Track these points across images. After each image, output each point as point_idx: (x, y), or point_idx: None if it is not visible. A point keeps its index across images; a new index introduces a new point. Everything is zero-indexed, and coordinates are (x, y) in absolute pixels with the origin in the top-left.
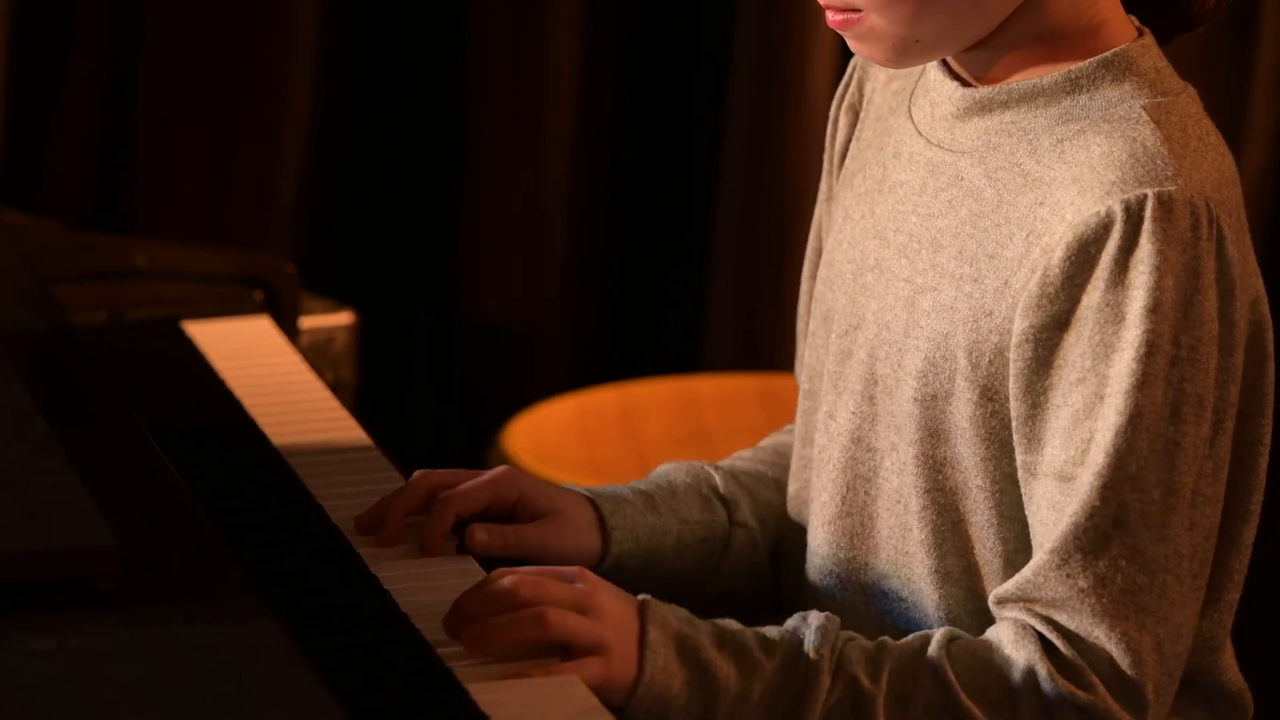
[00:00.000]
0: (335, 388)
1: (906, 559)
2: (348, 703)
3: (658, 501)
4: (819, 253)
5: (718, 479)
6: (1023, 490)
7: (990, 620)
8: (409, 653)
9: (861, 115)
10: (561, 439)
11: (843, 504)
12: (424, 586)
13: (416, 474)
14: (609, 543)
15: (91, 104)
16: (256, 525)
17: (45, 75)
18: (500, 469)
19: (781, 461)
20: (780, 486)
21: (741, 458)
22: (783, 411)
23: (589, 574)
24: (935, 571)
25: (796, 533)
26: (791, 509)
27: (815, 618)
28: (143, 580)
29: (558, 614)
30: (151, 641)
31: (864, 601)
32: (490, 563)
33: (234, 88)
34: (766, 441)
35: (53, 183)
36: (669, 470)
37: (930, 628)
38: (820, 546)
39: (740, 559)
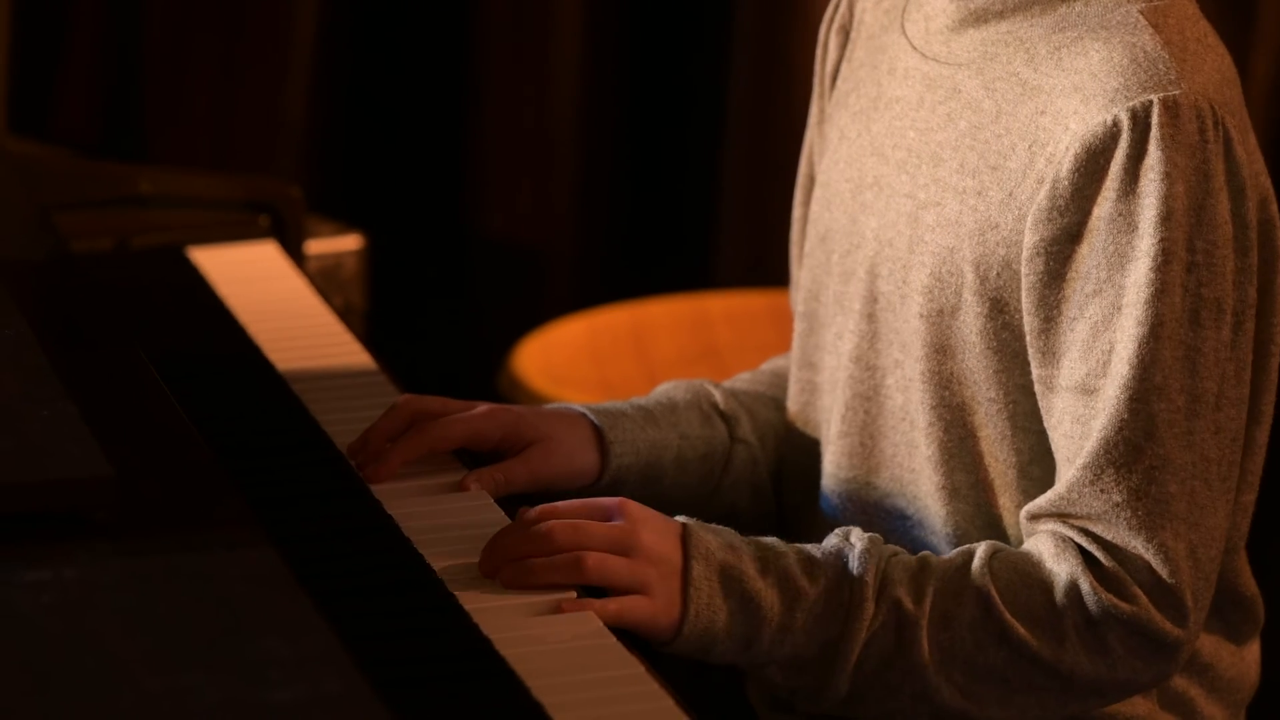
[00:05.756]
0: (345, 312)
1: (913, 475)
2: (344, 630)
3: (657, 416)
4: (811, 178)
5: (717, 396)
6: (1040, 404)
7: (998, 535)
8: (410, 579)
9: (852, 35)
10: (573, 359)
11: (842, 423)
12: (429, 512)
13: (402, 398)
14: (607, 457)
15: (98, 31)
16: (258, 451)
17: (53, 2)
18: (485, 406)
19: (779, 383)
20: (779, 406)
21: (740, 379)
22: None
23: (631, 506)
24: (942, 488)
25: (798, 456)
26: (791, 434)
27: (859, 538)
28: (139, 510)
29: (596, 558)
30: (146, 571)
31: (869, 521)
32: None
33: (239, 10)
34: (765, 366)
35: (61, 110)
36: (668, 388)
37: (937, 544)
38: (827, 467)
39: (742, 476)
